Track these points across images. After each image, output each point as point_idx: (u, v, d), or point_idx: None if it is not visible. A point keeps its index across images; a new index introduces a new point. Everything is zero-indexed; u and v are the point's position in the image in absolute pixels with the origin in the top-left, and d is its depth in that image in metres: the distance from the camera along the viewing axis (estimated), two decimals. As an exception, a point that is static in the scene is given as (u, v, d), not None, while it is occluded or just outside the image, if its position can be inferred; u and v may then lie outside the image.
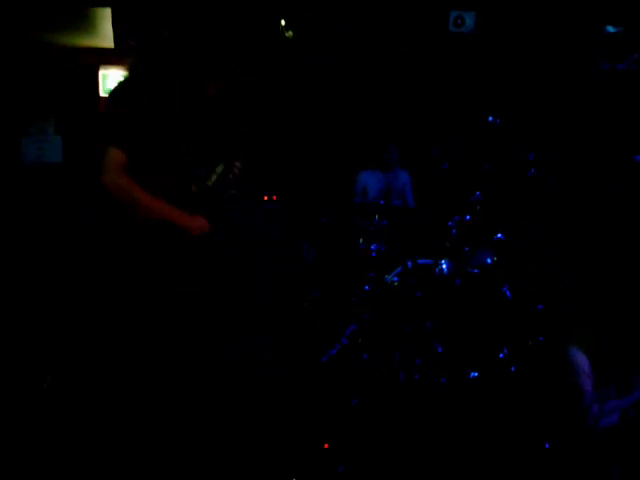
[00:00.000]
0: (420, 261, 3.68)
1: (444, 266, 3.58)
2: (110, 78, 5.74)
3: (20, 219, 4.87)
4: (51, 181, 5.37)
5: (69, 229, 4.80)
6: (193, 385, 2.46)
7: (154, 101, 2.27)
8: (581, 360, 2.50)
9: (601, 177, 4.08)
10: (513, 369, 3.11)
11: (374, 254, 3.94)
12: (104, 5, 4.56)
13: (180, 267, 2.35)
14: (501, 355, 3.20)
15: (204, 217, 2.38)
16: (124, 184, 2.19)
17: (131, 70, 2.43)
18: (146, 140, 2.24)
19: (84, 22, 4.91)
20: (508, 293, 3.43)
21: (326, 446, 2.70)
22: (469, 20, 4.81)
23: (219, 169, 2.54)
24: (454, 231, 3.67)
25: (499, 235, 3.63)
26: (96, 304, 2.48)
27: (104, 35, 5.05)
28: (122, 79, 2.38)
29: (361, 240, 4.08)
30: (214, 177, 2.53)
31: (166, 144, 2.32)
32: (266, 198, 4.27)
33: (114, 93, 2.35)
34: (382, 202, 4.23)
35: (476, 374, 3.14)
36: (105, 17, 4.68)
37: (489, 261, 3.57)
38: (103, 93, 5.73)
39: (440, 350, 3.29)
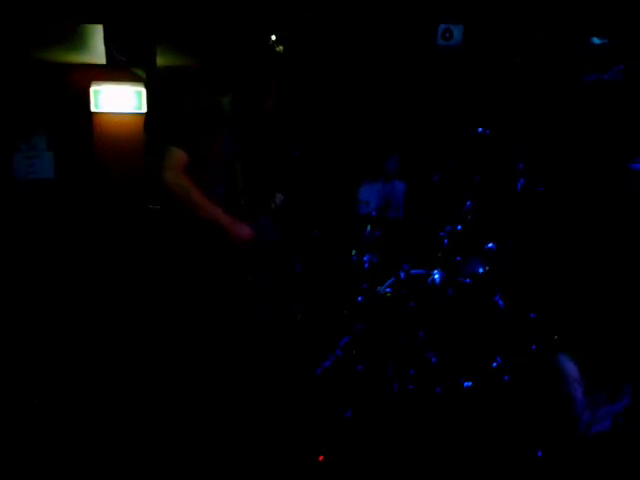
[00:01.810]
0: (412, 271, 3.69)
1: (436, 276, 3.59)
2: (102, 94, 5.76)
3: (10, 234, 4.87)
4: (43, 197, 5.37)
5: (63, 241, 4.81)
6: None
7: (209, 114, 2.44)
8: (571, 368, 2.52)
9: (591, 186, 4.12)
10: (506, 378, 3.11)
11: (367, 265, 3.95)
12: (96, 22, 4.59)
13: (225, 270, 2.50)
14: (494, 364, 3.21)
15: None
16: (183, 182, 2.35)
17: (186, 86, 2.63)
18: (202, 148, 2.40)
19: (76, 39, 4.94)
20: (500, 302, 3.45)
21: (321, 458, 2.69)
22: (457, 33, 4.88)
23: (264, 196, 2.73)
24: (446, 241, 3.69)
25: (490, 244, 3.65)
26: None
27: (96, 52, 5.08)
28: (180, 92, 2.56)
29: (354, 251, 4.10)
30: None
31: (219, 155, 2.49)
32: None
33: (179, 103, 2.50)
34: (374, 213, 4.25)
35: (470, 384, 3.15)
36: (97, 34, 4.70)
37: (481, 270, 3.59)
38: (95, 109, 5.75)
39: (434, 360, 3.30)
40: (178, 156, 2.35)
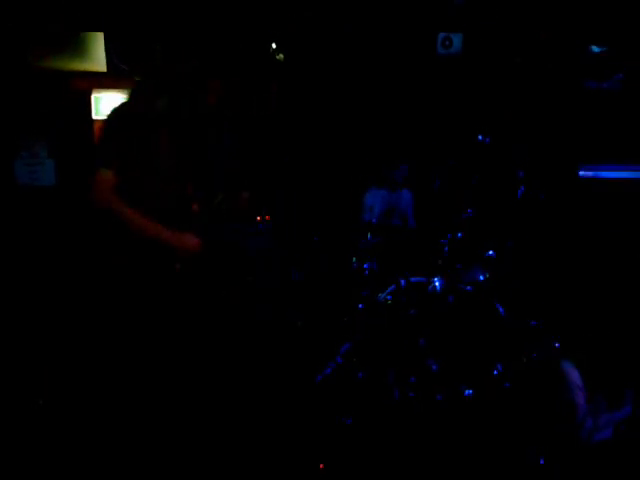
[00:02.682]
0: (413, 279, 3.69)
1: (437, 283, 3.59)
2: (103, 101, 5.78)
3: (11, 239, 4.87)
4: (43, 203, 5.37)
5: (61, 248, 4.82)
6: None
7: (143, 123, 2.36)
8: (573, 375, 2.52)
9: (588, 193, 4.13)
10: (507, 385, 3.11)
11: (367, 272, 3.95)
12: (96, 30, 4.61)
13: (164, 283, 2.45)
14: (495, 372, 3.20)
15: (199, 236, 2.44)
16: (112, 202, 2.30)
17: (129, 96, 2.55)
18: (137, 161, 2.32)
19: (77, 46, 4.97)
20: (501, 309, 3.45)
21: (321, 466, 2.68)
22: (456, 41, 4.90)
23: (221, 196, 2.63)
24: (446, 248, 3.70)
25: (490, 252, 3.66)
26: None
27: (97, 59, 5.11)
28: (115, 106, 2.46)
29: (354, 259, 4.09)
30: (218, 201, 2.62)
31: (158, 164, 2.39)
32: (259, 218, 4.28)
33: (106, 119, 2.44)
34: (374, 221, 4.25)
35: (470, 391, 3.14)
36: (98, 41, 4.73)
37: (481, 278, 3.59)
38: (96, 116, 5.77)
39: (434, 368, 3.29)
40: (105, 178, 2.29)
